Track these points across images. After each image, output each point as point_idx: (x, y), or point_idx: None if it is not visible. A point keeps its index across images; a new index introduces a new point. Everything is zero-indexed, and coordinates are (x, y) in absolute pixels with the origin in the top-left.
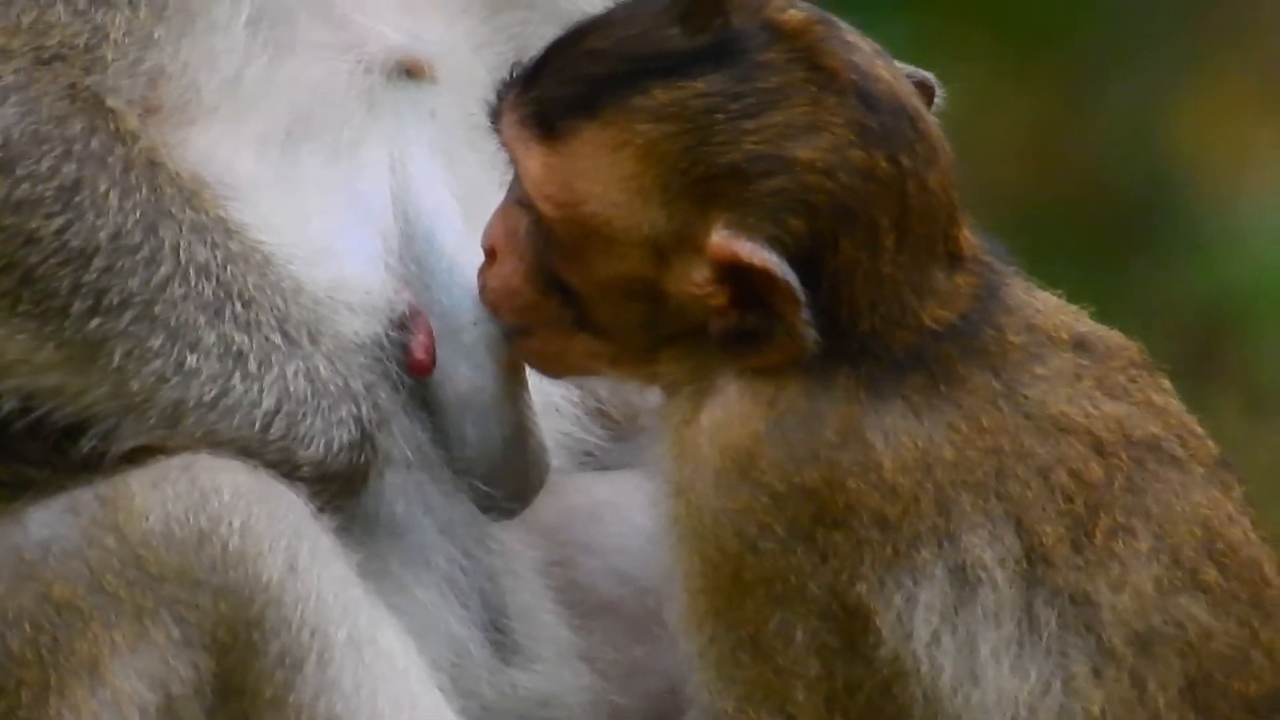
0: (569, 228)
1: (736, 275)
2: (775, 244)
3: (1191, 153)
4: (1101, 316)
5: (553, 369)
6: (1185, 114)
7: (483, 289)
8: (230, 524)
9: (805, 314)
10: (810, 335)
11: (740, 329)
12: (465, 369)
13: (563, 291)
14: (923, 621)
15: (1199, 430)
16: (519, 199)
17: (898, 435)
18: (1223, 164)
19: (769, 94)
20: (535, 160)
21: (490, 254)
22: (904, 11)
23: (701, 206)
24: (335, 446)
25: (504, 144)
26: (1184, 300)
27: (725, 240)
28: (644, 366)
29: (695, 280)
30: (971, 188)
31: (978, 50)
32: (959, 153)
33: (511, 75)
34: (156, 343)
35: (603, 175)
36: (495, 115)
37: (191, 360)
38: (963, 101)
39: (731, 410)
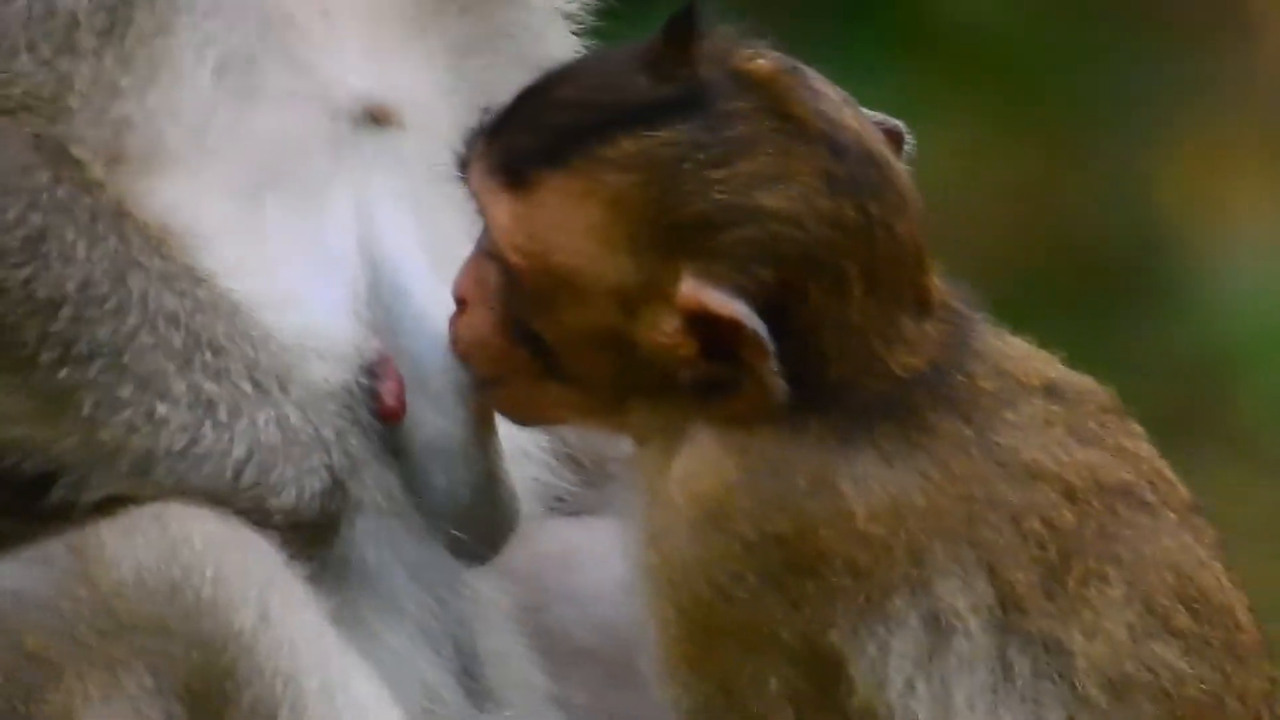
0: (537, 278)
1: (705, 325)
2: (743, 294)
3: (1179, 209)
4: (1090, 371)
5: (524, 418)
6: (1172, 171)
7: (453, 339)
8: (202, 573)
9: (773, 364)
10: (779, 385)
11: (710, 379)
12: (434, 416)
13: (533, 341)
14: (896, 669)
15: (1171, 475)
16: (487, 249)
17: (869, 483)
18: (1209, 220)
19: (736, 143)
20: (503, 210)
21: (461, 303)
22: (893, 68)
23: (669, 256)
24: (307, 494)
25: (472, 193)
26: (1172, 355)
27: (693, 290)
28: (615, 416)
29: (664, 330)
30: (959, 244)
31: (965, 109)
32: (947, 210)
33: (479, 124)
34: (126, 392)
35: (570, 225)
36: (463, 164)
37: (161, 409)
38: (951, 159)
39: (703, 459)
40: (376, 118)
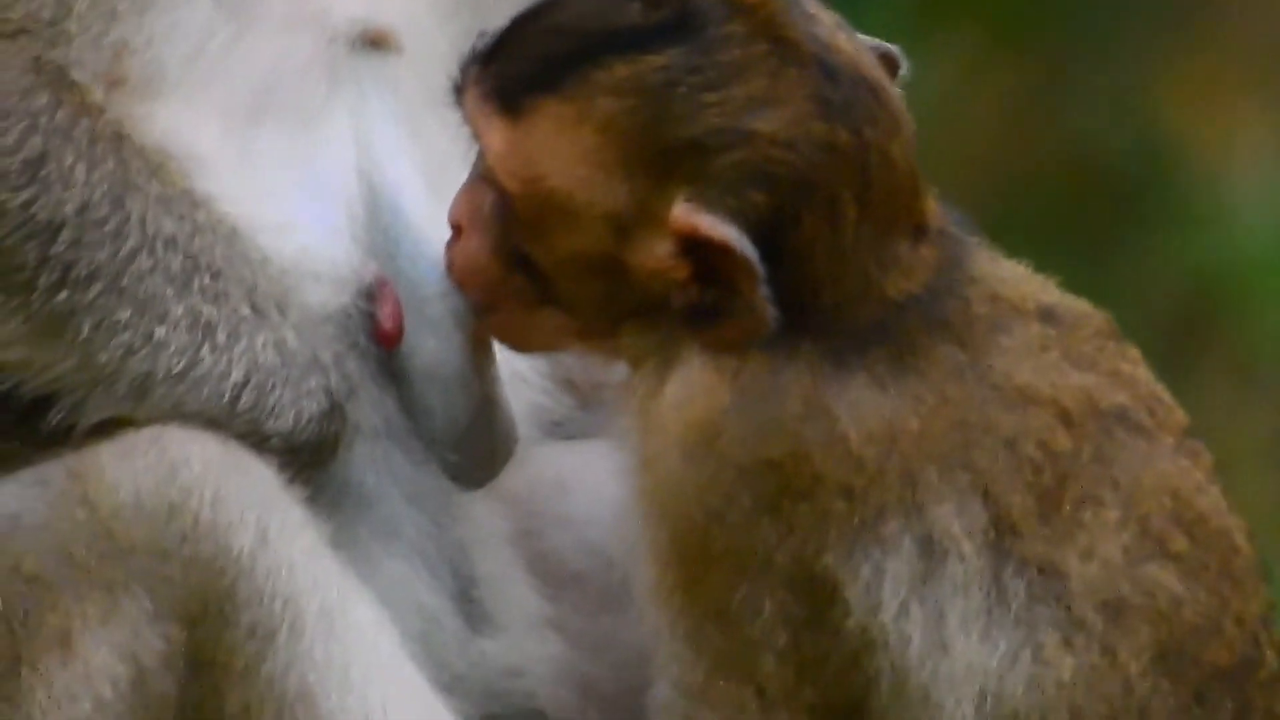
0: (531, 203)
1: (697, 249)
2: (736, 218)
3: (1178, 127)
4: (1089, 293)
5: (519, 344)
6: (1172, 89)
7: (449, 265)
8: (200, 496)
9: (764, 290)
10: (769, 311)
11: (702, 304)
12: (432, 341)
13: (527, 267)
14: (890, 592)
15: (1167, 399)
16: (483, 175)
17: (862, 407)
18: (1209, 139)
19: (728, 67)
20: (497, 136)
21: (456, 229)
22: None
23: (662, 181)
24: (304, 417)
25: (467, 120)
26: (1172, 275)
27: (685, 214)
28: (609, 341)
29: (657, 255)
30: (956, 162)
31: (961, 28)
32: (945, 128)
33: (474, 51)
34: (124, 315)
35: (564, 150)
36: (457, 91)
37: (160, 332)
38: (946, 79)
39: (695, 384)
40: (373, 41)
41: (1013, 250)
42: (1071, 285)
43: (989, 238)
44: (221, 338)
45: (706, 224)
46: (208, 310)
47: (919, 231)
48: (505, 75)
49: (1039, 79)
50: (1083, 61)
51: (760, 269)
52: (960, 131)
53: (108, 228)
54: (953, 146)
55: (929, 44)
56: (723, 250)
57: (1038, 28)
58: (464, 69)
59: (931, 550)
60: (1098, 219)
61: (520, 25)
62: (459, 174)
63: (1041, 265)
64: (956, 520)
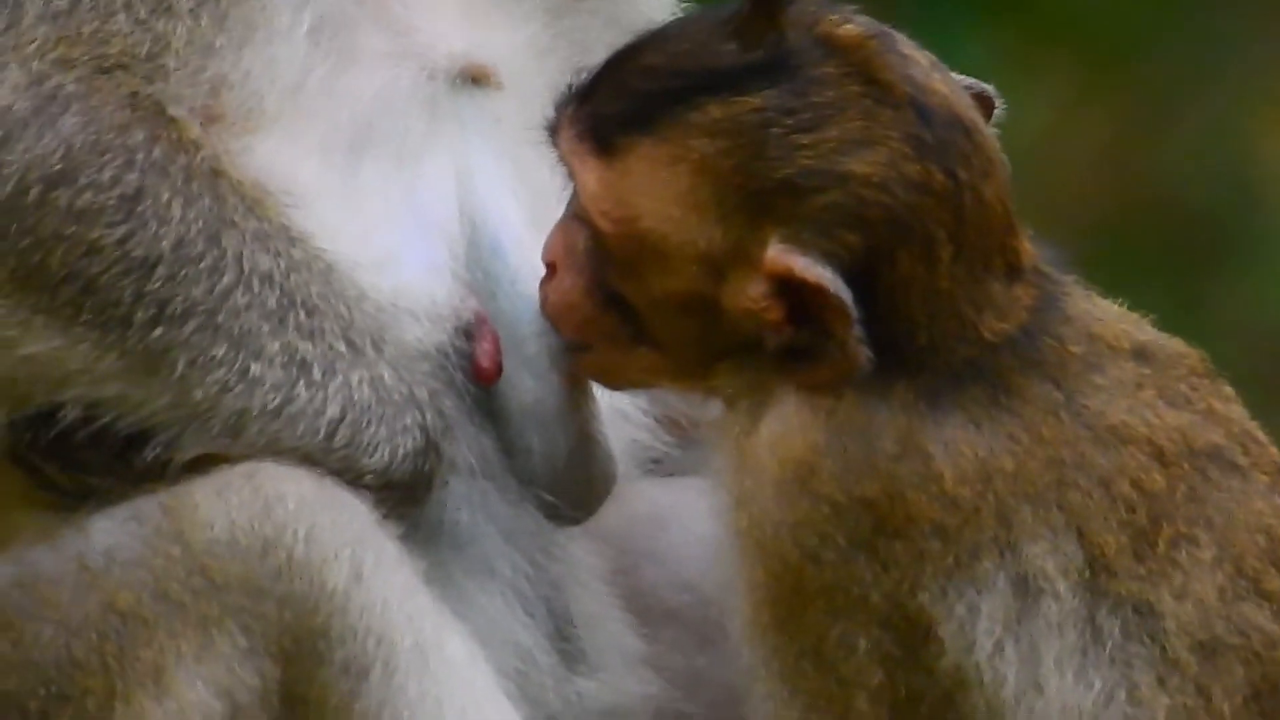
0: (625, 243)
1: (791, 291)
2: (830, 259)
3: (1270, 170)
4: (1183, 331)
5: (612, 383)
6: (1264, 131)
7: (543, 303)
8: (295, 532)
9: (857, 331)
10: (863, 352)
11: (795, 345)
12: (529, 379)
13: (621, 307)
14: (985, 631)
15: (1262, 438)
16: (576, 214)
17: (957, 446)
18: None
19: (823, 108)
20: (591, 176)
21: (550, 268)
22: (983, 30)
23: (756, 222)
24: (400, 454)
25: (561, 159)
26: (1263, 317)
27: (779, 255)
28: (702, 380)
29: (750, 295)
30: (1050, 206)
31: (1057, 68)
32: (1038, 171)
33: (569, 90)
34: (220, 351)
35: (658, 191)
36: (552, 130)
37: (255, 369)
38: (1042, 118)
39: (790, 422)
40: (474, 78)
41: (1107, 288)
42: (1166, 324)
43: (1083, 275)
44: (317, 374)
45: (800, 265)
46: (303, 346)
47: (1013, 271)
48: (600, 115)
49: (1135, 116)
50: (1175, 103)
51: (854, 311)
52: (1050, 177)
53: (203, 264)
54: (1043, 192)
55: (1017, 90)
56: (816, 292)
57: (1129, 71)
58: (559, 108)
59: (1026, 589)
60: (1193, 257)
61: (615, 65)
62: (558, 211)
63: (1136, 303)
64: (1051, 559)
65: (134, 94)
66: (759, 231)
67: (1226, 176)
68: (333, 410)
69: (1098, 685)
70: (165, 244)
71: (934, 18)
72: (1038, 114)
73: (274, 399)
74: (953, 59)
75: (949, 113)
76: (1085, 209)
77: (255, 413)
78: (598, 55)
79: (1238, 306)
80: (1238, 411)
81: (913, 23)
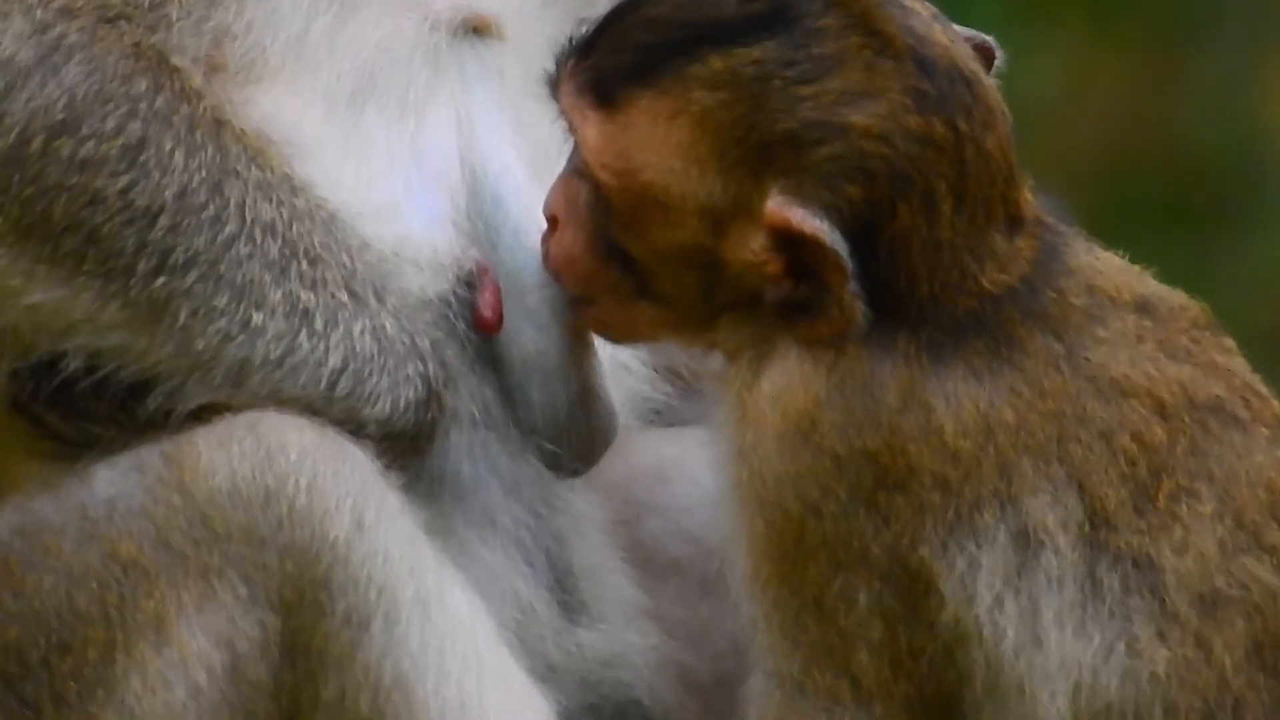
0: (627, 196)
1: (790, 243)
2: (831, 211)
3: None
4: (1187, 287)
5: (615, 336)
6: (1276, 86)
7: (545, 257)
8: (297, 482)
9: (853, 286)
10: (859, 308)
11: (795, 298)
12: (531, 331)
13: (622, 260)
14: (985, 585)
15: (1263, 391)
16: (578, 168)
17: (959, 399)
18: None
19: (824, 60)
20: (593, 129)
21: (552, 222)
22: None
23: (757, 174)
24: (401, 404)
25: (563, 113)
26: (1270, 270)
27: (779, 207)
28: (704, 333)
29: (751, 248)
30: (1058, 156)
31: (1068, 23)
32: (1046, 122)
33: (569, 44)
34: (222, 301)
35: (659, 144)
36: (553, 83)
37: (257, 318)
38: (1053, 72)
39: (792, 375)
40: (476, 28)
41: (1116, 241)
42: (1174, 277)
43: (1092, 228)
44: (319, 324)
45: (798, 218)
46: (305, 296)
47: (1015, 223)
48: (600, 69)
49: (1146, 70)
50: (1184, 59)
51: (849, 264)
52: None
53: (206, 213)
54: (1051, 143)
55: (1038, 35)
56: (814, 244)
57: (1142, 23)
58: (559, 62)
59: (1026, 543)
60: (1203, 211)
61: (615, 19)
62: (561, 163)
63: (1145, 256)
64: (1051, 513)
65: (137, 43)
66: (760, 184)
67: (1237, 131)
68: (335, 360)
69: (1097, 639)
70: (168, 193)
71: None
72: (1049, 68)
73: (276, 349)
74: (965, 14)
75: (949, 64)
76: (1093, 159)
77: (257, 362)
78: (600, 7)
79: (1246, 260)
80: (1239, 364)
81: None
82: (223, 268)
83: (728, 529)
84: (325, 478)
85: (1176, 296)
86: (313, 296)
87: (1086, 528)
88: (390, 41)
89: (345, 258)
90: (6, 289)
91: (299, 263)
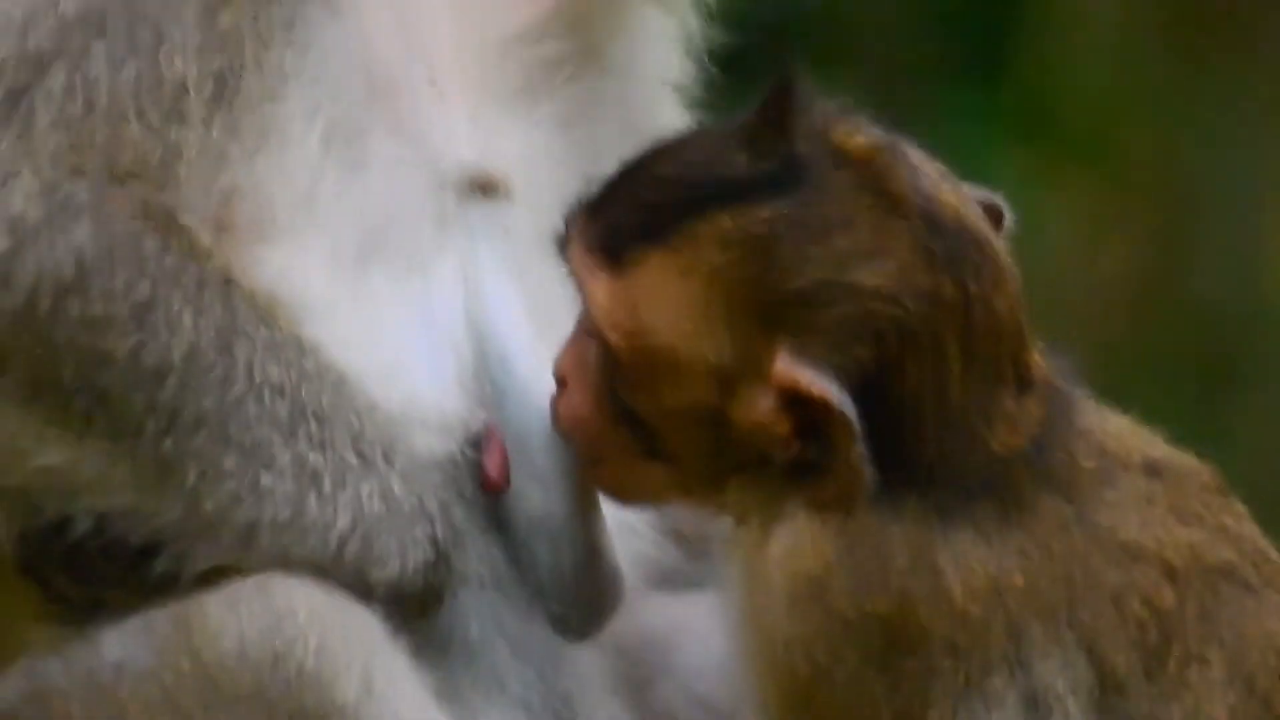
0: (636, 357)
1: (799, 405)
2: (840, 372)
3: None
4: (1198, 452)
5: (624, 496)
6: None
7: (555, 418)
8: (305, 645)
9: (861, 448)
10: (868, 470)
11: (803, 460)
12: (537, 491)
13: (632, 420)
14: None
15: (1274, 556)
16: (587, 328)
17: (968, 562)
18: None
19: (833, 220)
20: (602, 289)
21: (561, 383)
22: (1012, 150)
23: (766, 334)
24: (410, 566)
25: (571, 272)
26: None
27: (787, 368)
28: (714, 495)
29: (760, 409)
30: (1071, 321)
31: (1083, 188)
32: (1059, 286)
33: (578, 202)
34: (230, 463)
35: (668, 304)
36: (563, 243)
37: (266, 480)
38: (1068, 237)
39: (801, 537)
40: (483, 188)
41: (1121, 401)
42: (1185, 440)
43: (1098, 389)
44: (327, 486)
45: (806, 379)
46: (314, 458)
47: (1024, 384)
48: (610, 227)
49: (1150, 240)
50: (1194, 225)
51: (857, 426)
52: (1071, 292)
53: (214, 374)
54: (1063, 307)
55: (1045, 209)
56: (822, 406)
57: (1149, 190)
58: (568, 221)
59: (1036, 707)
60: (1209, 374)
61: (624, 177)
62: (568, 322)
63: (1150, 418)
64: (1061, 677)
65: (146, 202)
66: (769, 343)
67: (1244, 297)
68: (343, 522)
69: None
70: (177, 354)
71: (964, 137)
72: (1061, 229)
73: (285, 511)
74: (982, 178)
75: (959, 224)
76: (1105, 323)
77: (266, 524)
78: (609, 165)
79: (1252, 425)
80: (1249, 529)
81: (942, 142)
82: (231, 429)
83: (738, 693)
84: (334, 640)
85: (1187, 460)
86: (321, 458)
87: (1097, 692)
88: (398, 200)
89: (353, 418)
90: (17, 451)
91: (307, 424)
